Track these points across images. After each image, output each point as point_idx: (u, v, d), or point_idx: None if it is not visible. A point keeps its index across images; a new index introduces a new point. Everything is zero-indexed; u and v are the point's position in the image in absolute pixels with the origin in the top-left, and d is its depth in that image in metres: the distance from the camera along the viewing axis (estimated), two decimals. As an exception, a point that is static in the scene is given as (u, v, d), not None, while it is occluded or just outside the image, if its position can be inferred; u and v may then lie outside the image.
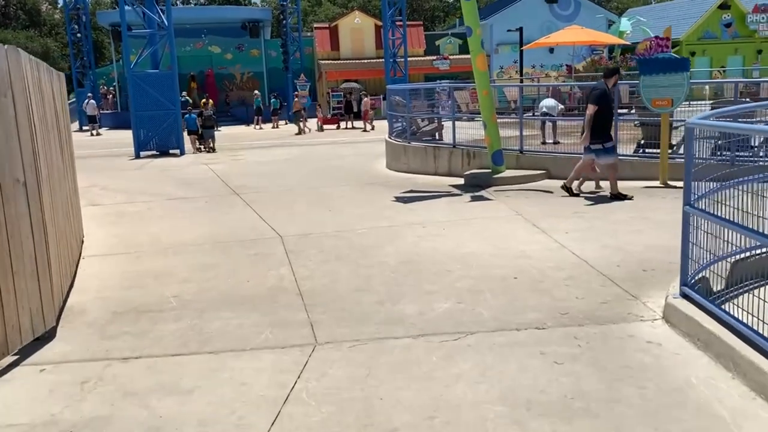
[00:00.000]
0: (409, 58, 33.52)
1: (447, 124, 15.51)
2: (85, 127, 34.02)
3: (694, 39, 36.68)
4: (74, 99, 35.44)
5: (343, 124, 31.12)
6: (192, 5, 50.30)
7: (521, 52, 29.00)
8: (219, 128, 31.96)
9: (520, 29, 29.79)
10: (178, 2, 51.19)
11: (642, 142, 11.77)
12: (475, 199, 10.93)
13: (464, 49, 36.71)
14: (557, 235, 8.02)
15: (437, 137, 15.51)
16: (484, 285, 6.34)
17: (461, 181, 12.85)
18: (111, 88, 35.36)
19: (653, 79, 10.41)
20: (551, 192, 10.99)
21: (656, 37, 10.65)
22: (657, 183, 10.87)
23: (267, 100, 33.80)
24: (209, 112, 24.43)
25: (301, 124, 28.83)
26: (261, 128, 31.35)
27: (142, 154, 22.31)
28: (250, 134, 29.83)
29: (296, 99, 29.19)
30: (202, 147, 23.32)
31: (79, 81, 34.35)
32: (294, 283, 6.78)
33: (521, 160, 12.59)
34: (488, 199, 10.84)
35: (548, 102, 13.96)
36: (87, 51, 34.03)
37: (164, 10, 22.90)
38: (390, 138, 16.39)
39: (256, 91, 32.64)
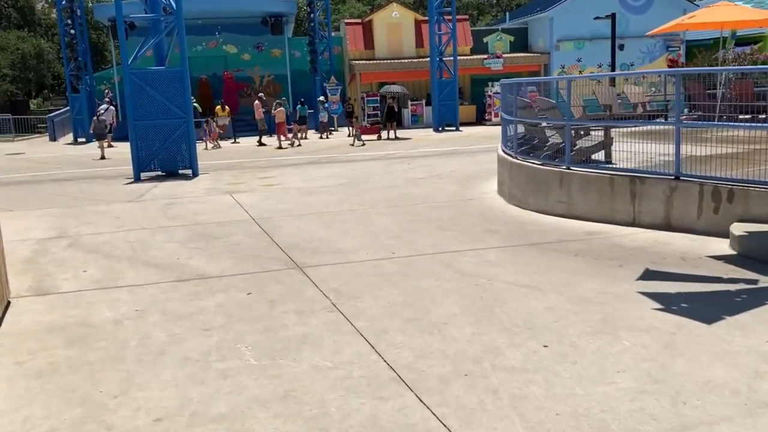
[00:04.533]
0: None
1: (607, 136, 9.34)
2: (80, 139, 27.75)
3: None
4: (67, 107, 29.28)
5: (384, 134, 24.91)
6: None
7: (614, 44, 22.82)
8: (237, 140, 25.89)
9: (613, 15, 23.50)
10: None
11: None
12: None
13: (516, 47, 30.55)
14: None
15: (602, 158, 9.30)
16: None
17: (712, 246, 6.62)
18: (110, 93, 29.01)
19: None
20: None
21: None
22: None
23: (292, 107, 27.57)
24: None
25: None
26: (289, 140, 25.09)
27: (143, 175, 16.11)
28: (275, 147, 23.59)
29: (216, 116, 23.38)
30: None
31: (74, 86, 28.04)
32: None
33: None
34: None
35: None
36: (82, 51, 27.73)
37: (171, -11, 16.69)
38: (515, 157, 10.13)
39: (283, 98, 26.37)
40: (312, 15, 29.16)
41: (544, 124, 9.87)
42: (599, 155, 9.49)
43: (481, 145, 20.88)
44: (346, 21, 31.83)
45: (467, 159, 17.22)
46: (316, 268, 6.90)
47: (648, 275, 5.84)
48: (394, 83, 28.19)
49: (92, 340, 5.17)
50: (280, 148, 22.84)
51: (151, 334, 5.23)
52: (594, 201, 8.29)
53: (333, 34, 32.57)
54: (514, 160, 10.03)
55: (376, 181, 13.75)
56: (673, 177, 7.46)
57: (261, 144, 24.10)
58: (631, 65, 28.68)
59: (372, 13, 31.19)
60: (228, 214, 10.69)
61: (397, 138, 24.65)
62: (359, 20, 31.20)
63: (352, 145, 22.70)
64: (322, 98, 24.78)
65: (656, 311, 4.92)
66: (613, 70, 24.24)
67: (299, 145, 23.65)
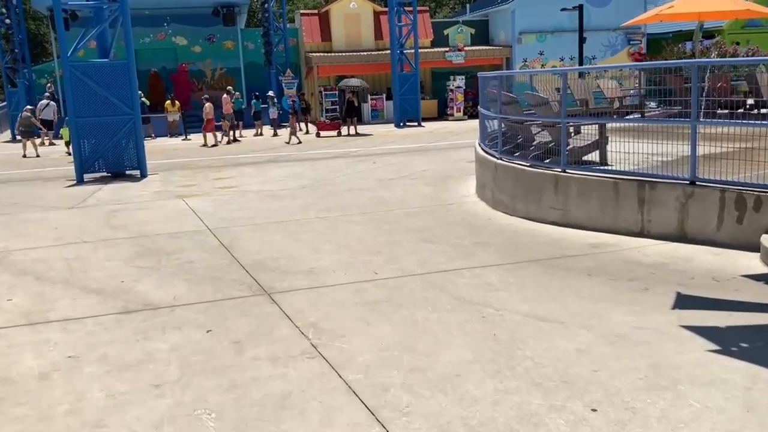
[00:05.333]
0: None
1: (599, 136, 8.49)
2: (18, 137, 25.77)
3: (737, 28, 30.41)
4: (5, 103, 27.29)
5: (344, 130, 23.82)
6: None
7: (581, 36, 22.14)
8: (188, 137, 24.46)
9: (580, 7, 22.84)
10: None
11: None
12: None
13: (476, 39, 29.78)
14: None
15: (595, 159, 8.45)
16: None
17: (742, 261, 5.82)
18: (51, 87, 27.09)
19: None
20: None
21: None
22: None
23: (246, 102, 26.22)
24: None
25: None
26: (241, 136, 23.78)
27: (86, 177, 14.76)
28: (229, 144, 22.30)
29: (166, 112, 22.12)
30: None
31: (11, 80, 26.11)
32: None
33: None
34: None
35: None
36: (19, 42, 25.82)
37: (114, -25, 15.27)
38: (500, 158, 9.21)
39: (235, 91, 24.91)
40: (266, 5, 27.79)
41: (536, 121, 8.97)
42: (592, 156, 8.65)
43: (447, 142, 20.03)
44: (301, 12, 30.54)
45: (436, 157, 16.31)
46: (287, 295, 5.84)
47: (683, 302, 4.97)
48: (353, 77, 27.11)
49: (9, 404, 4.03)
50: (204, 145, 21.49)
51: (87, 394, 4.11)
52: (595, 208, 7.42)
53: (288, 25, 31.25)
54: (499, 161, 9.11)
55: (343, 183, 12.71)
56: (688, 182, 6.63)
57: (231, 140, 22.73)
58: (593, 59, 28.18)
59: (328, 4, 29.96)
60: (180, 223, 9.53)
61: (357, 134, 23.58)
62: (315, 11, 29.97)
63: (288, 143, 21.43)
64: (271, 93, 23.48)
65: (714, 354, 4.04)
66: (581, 63, 23.64)
67: (232, 141, 22.37)
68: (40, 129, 22.05)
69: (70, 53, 14.81)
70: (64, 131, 20.84)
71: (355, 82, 24.57)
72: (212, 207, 10.69)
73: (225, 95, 23.03)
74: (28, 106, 22.19)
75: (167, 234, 8.77)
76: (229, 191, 12.36)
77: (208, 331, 5.07)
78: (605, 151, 8.35)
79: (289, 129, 22.13)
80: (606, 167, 7.94)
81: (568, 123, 7.97)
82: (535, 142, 9.25)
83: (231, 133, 22.81)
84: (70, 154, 20.13)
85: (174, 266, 7.12)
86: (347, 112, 23.77)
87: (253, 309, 5.52)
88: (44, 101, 23.27)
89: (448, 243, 7.41)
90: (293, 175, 14.16)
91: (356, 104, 24.08)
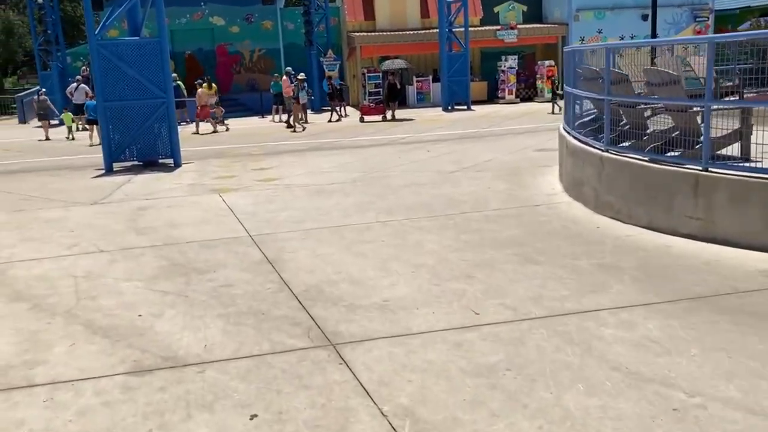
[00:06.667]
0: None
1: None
2: (52, 122, 24.50)
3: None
4: (32, 87, 25.99)
5: (388, 114, 21.97)
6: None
7: (654, 10, 19.96)
8: (225, 122, 22.86)
9: (652, -21, 20.59)
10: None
11: None
12: None
13: (529, 17, 27.59)
14: None
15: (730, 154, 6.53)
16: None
17: None
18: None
19: None
20: None
21: None
22: None
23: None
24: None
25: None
26: (283, 121, 22.13)
27: (116, 166, 13.27)
28: (268, 130, 20.68)
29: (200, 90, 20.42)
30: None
31: (44, 62, 24.80)
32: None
33: None
34: None
35: None
36: (52, 23, 24.48)
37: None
38: (607, 150, 7.31)
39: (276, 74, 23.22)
40: (307, -18, 26.03)
41: (658, 104, 7.07)
42: (728, 150, 6.73)
43: (503, 127, 18.09)
44: (343, -11, 28.64)
45: (496, 144, 14.43)
46: (359, 348, 4.11)
47: None
48: (397, 57, 25.24)
49: None
50: (196, 133, 19.71)
51: None
52: (754, 220, 5.53)
53: (330, 3, 29.44)
54: (606, 153, 7.22)
55: (399, 176, 10.93)
56: None
57: (290, 126, 21.00)
58: (657, 37, 25.81)
59: (372, -19, 27.99)
60: (216, 226, 7.87)
61: (395, 119, 21.60)
62: (358, -12, 28.00)
63: (294, 131, 19.64)
64: (302, 75, 21.67)
65: None
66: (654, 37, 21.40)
67: (226, 130, 20.50)
68: (56, 113, 21.05)
69: (98, 31, 13.25)
70: (66, 116, 19.69)
71: (400, 63, 22.65)
72: (253, 205, 9.03)
73: (285, 77, 21.53)
74: (43, 89, 21.08)
75: (200, 242, 7.12)
76: (271, 185, 10.70)
77: (252, 417, 3.37)
78: (749, 143, 6.43)
79: (296, 115, 20.46)
80: (741, 161, 6.04)
81: (714, 107, 6.05)
82: (648, 130, 7.37)
83: (287, 117, 21.30)
84: (68, 138, 19.08)
85: (206, 292, 5.45)
86: (388, 96, 21.89)
87: (315, 374, 3.81)
88: (74, 84, 21.91)
89: (559, 264, 5.60)
90: (340, 166, 12.44)
91: (398, 87, 22.15)
